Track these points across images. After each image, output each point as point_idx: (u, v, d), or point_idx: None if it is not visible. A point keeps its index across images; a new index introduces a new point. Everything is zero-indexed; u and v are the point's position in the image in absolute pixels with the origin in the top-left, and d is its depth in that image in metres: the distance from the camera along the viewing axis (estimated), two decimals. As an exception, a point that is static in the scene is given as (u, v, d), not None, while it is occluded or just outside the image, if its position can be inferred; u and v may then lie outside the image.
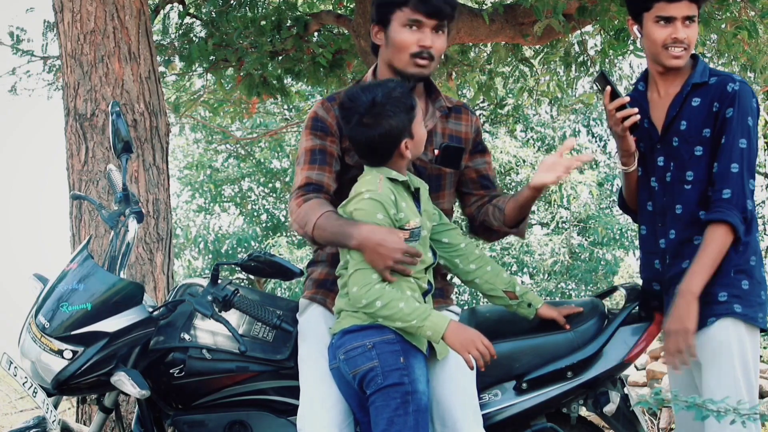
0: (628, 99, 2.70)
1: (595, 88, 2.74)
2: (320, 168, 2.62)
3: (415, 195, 2.55)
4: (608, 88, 2.68)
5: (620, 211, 15.26)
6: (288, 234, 13.98)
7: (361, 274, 2.39)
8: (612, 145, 14.99)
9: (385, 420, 2.35)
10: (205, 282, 2.64)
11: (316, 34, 6.89)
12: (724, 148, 2.61)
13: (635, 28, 2.74)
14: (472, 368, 2.38)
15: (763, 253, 11.89)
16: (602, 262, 13.62)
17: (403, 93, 2.47)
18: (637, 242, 13.97)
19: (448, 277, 2.86)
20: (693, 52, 2.71)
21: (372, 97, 2.45)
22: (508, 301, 2.67)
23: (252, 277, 11.54)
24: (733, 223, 2.56)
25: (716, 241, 2.58)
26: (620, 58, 7.39)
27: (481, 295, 2.77)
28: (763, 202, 12.78)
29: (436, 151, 2.67)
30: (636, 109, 2.68)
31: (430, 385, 2.48)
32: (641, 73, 2.87)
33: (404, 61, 2.64)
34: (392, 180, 2.47)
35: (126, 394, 2.63)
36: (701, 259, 2.58)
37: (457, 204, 2.92)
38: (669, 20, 2.63)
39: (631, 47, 6.49)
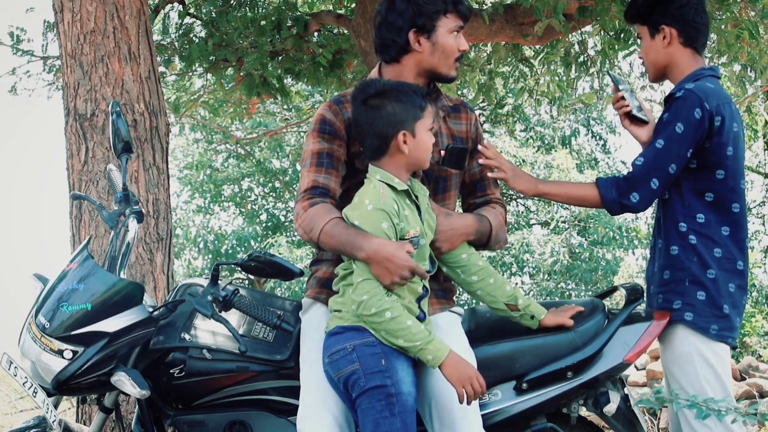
0: (621, 94, 2.90)
1: (611, 88, 2.99)
2: (327, 172, 2.60)
3: (417, 203, 2.55)
4: (613, 85, 2.93)
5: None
6: (288, 234, 13.98)
7: (369, 284, 2.38)
8: (610, 143, 15.01)
9: (371, 422, 2.35)
10: (205, 282, 2.64)
11: (316, 34, 6.89)
12: (646, 145, 2.77)
13: None
14: (462, 402, 2.38)
15: (764, 254, 11.85)
16: (602, 262, 13.62)
17: (419, 92, 2.50)
18: (636, 242, 14.03)
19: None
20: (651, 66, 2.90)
21: (387, 83, 2.52)
22: (510, 313, 2.67)
23: (252, 277, 11.54)
24: (600, 188, 2.73)
25: (581, 189, 2.81)
26: (620, 57, 7.38)
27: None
28: (764, 202, 12.79)
29: (442, 152, 2.67)
30: (627, 102, 2.88)
31: (426, 384, 2.48)
32: None
33: (449, 65, 2.70)
34: (393, 188, 2.46)
35: (126, 394, 2.63)
36: (564, 184, 2.88)
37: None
38: None
39: (633, 47, 6.49)
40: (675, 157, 2.67)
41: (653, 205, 2.87)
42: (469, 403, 2.38)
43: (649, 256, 2.95)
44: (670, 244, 2.75)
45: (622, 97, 2.89)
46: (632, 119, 2.89)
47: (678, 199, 2.74)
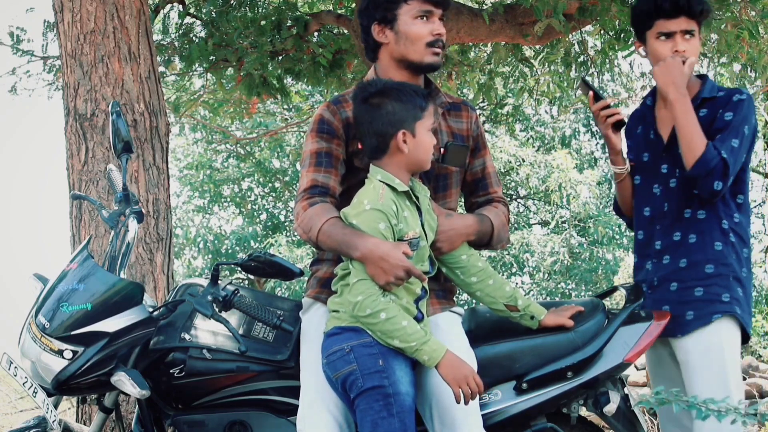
0: (610, 101, 2.86)
1: (579, 93, 2.91)
2: (326, 171, 2.60)
3: (418, 204, 2.54)
4: (591, 93, 2.86)
5: (620, 211, 15.20)
6: (288, 234, 13.98)
7: (364, 284, 2.38)
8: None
9: (369, 423, 2.35)
10: (205, 282, 2.64)
11: (316, 34, 6.89)
12: (719, 139, 2.70)
13: (641, 48, 2.88)
14: (458, 402, 2.37)
15: (764, 254, 11.87)
16: (602, 262, 13.62)
17: (420, 93, 2.51)
18: (636, 242, 14.04)
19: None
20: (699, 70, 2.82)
21: (387, 83, 2.53)
22: (510, 314, 2.66)
23: (252, 277, 11.54)
24: (710, 149, 2.65)
25: (697, 136, 2.68)
26: (619, 57, 7.38)
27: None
28: (764, 201, 12.78)
29: (442, 150, 2.67)
30: (619, 109, 2.85)
31: (427, 384, 2.48)
32: (651, 89, 3.01)
33: (420, 51, 2.66)
34: (394, 189, 2.46)
35: (126, 394, 2.63)
36: (694, 120, 2.70)
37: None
38: (669, 35, 2.79)
39: (633, 47, 6.48)
40: (741, 159, 2.73)
41: (650, 197, 2.89)
42: (466, 402, 2.38)
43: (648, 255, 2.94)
44: (713, 240, 2.76)
45: (608, 105, 2.85)
46: (615, 128, 2.86)
47: (720, 198, 2.76)
